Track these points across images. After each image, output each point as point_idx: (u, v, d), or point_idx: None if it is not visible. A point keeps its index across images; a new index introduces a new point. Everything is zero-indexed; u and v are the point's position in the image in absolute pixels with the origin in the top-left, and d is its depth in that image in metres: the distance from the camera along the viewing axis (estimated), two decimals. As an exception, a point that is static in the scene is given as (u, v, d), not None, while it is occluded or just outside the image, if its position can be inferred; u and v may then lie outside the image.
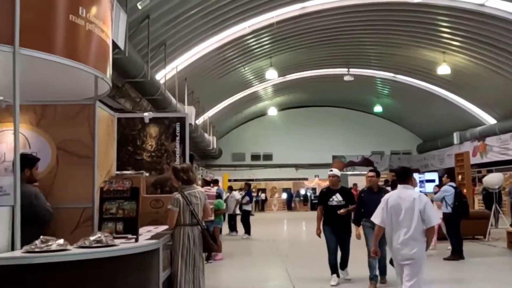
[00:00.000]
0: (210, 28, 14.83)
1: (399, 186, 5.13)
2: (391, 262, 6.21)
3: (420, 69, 22.01)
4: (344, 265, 7.75)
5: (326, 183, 8.20)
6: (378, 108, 30.17)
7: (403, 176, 5.12)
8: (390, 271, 6.84)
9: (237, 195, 15.76)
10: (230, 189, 16.23)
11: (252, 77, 23.11)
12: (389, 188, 8.18)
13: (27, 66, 3.89)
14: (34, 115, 5.10)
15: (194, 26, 13.98)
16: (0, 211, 3.46)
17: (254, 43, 18.24)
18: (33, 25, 3.78)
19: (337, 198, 7.59)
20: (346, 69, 23.45)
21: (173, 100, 15.41)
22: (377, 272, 7.29)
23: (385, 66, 23.17)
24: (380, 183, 8.57)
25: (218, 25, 14.92)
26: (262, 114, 33.14)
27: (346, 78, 23.43)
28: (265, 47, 19.07)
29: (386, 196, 5.17)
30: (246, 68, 21.16)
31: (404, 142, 34.73)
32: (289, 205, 33.38)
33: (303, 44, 19.46)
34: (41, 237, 3.44)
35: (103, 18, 4.59)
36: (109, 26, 4.77)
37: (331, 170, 7.89)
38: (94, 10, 4.39)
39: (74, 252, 3.46)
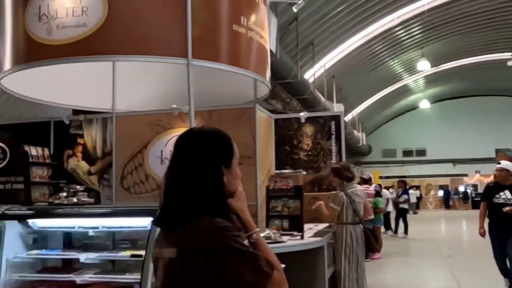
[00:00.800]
0: (356, 23, 14.63)
1: None
2: None
3: None
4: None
5: (488, 179, 7.40)
6: (550, 94, 26.80)
7: None
8: None
9: (387, 193, 15.33)
10: (380, 187, 15.84)
11: (401, 69, 22.22)
12: None
13: (196, 75, 4.24)
14: (202, 120, 5.52)
15: (341, 23, 13.92)
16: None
17: (404, 34, 17.50)
18: (202, 38, 4.10)
19: (505, 195, 6.68)
20: (511, 54, 21.23)
21: (322, 99, 15.50)
22: None
23: (559, 46, 20.47)
24: None
25: (365, 19, 14.65)
26: (413, 107, 31.63)
27: (510, 63, 21.24)
28: (416, 37, 18.19)
29: None
30: (395, 61, 20.42)
31: None
32: (446, 203, 31.35)
33: (458, 30, 18.12)
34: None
35: (261, 25, 4.79)
36: (267, 31, 4.97)
37: (499, 163, 7.10)
38: (253, 18, 4.61)
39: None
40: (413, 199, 24.45)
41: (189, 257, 1.47)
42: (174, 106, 5.49)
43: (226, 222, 1.51)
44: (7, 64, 4.17)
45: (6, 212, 3.69)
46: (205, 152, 1.57)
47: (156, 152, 5.72)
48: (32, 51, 3.99)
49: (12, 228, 3.70)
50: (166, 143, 5.73)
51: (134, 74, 5.47)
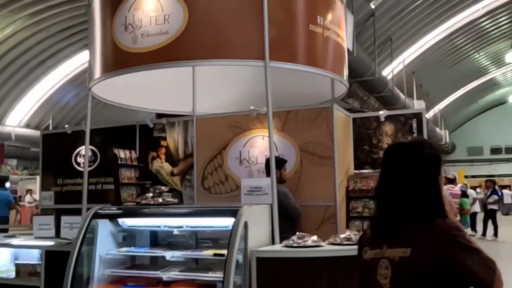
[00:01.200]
0: (437, 16, 14.02)
1: None
2: None
3: None
4: None
5: None
6: None
7: None
8: None
9: (474, 192, 14.56)
10: (465, 186, 15.10)
11: (487, 62, 21.00)
12: None
13: (274, 76, 4.27)
14: (279, 121, 5.55)
15: (421, 16, 13.41)
16: (262, 209, 3.86)
17: (490, 24, 16.53)
18: (278, 40, 4.12)
19: None
20: None
21: (401, 96, 15.01)
22: None
23: None
24: None
25: (446, 11, 14.00)
26: (501, 102, 29.77)
27: None
28: (504, 27, 17.11)
29: None
30: (480, 54, 19.33)
31: None
32: (541, 204, 29.14)
33: (552, 18, 16.81)
34: (298, 233, 3.72)
35: (338, 23, 4.73)
36: (343, 30, 4.90)
37: None
38: (330, 16, 4.56)
39: (328, 248, 3.63)
40: (508, 200, 22.91)
41: (424, 254, 1.65)
42: (252, 107, 5.55)
43: (455, 223, 1.71)
44: (97, 73, 4.44)
45: (98, 211, 3.93)
46: (426, 163, 1.78)
47: (235, 153, 5.82)
48: (119, 59, 4.22)
49: (104, 226, 3.94)
50: (245, 144, 5.81)
51: (213, 77, 5.61)
